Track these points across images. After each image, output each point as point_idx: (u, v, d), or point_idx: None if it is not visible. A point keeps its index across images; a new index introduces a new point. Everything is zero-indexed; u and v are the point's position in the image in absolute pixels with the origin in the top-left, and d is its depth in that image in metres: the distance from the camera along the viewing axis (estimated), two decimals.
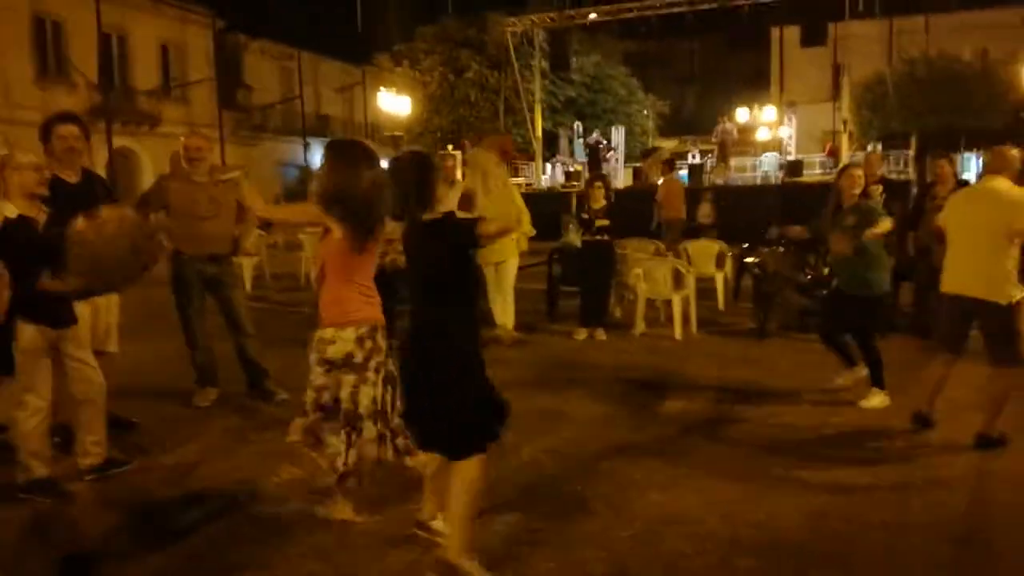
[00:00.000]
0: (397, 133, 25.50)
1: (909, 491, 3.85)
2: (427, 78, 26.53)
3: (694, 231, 12.85)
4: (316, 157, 34.41)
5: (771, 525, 3.49)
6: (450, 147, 22.35)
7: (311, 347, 3.42)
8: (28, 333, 3.73)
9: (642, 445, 4.58)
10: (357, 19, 38.32)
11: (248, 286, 11.26)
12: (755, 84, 38.70)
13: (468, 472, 2.92)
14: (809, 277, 7.66)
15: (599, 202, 7.42)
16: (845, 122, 20.93)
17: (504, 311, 7.44)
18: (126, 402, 5.33)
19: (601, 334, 7.49)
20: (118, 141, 24.39)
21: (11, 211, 3.67)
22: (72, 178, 4.45)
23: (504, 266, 7.41)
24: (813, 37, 19.38)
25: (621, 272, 8.06)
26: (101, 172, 24.46)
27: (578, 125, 25.34)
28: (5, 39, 22.42)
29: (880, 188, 7.78)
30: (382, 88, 25.48)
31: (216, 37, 29.86)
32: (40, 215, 3.76)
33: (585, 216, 7.46)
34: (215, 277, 5.38)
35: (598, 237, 7.41)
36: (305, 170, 32.50)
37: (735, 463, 4.30)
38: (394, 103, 25.07)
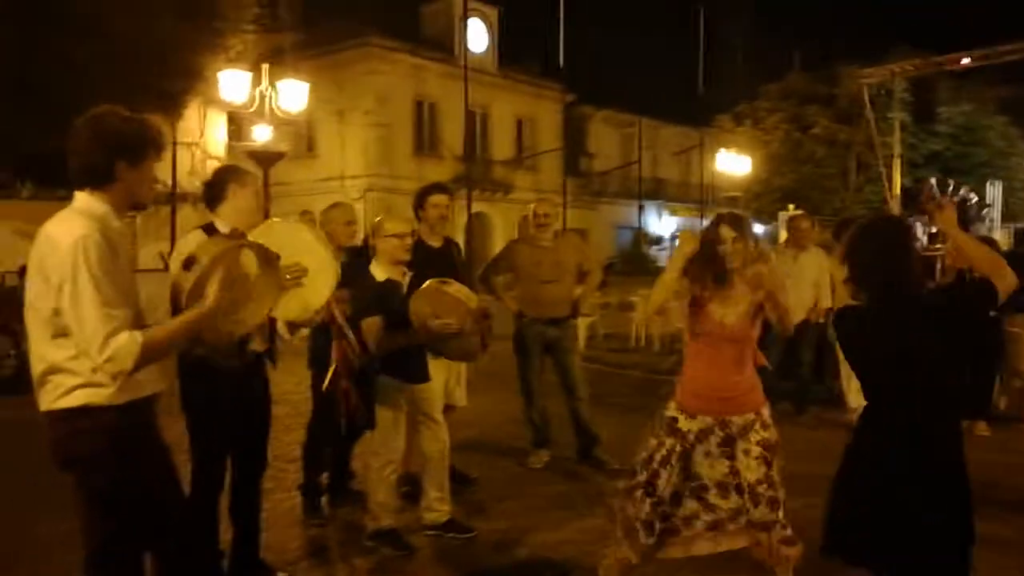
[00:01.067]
0: (734, 193, 24.87)
1: None
2: (769, 136, 25.62)
3: None
4: (650, 219, 35.14)
5: None
6: (792, 207, 21.21)
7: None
8: (388, 388, 3.97)
9: None
10: (698, 83, 38.62)
11: (582, 346, 11.49)
12: None
13: None
14: None
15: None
16: None
17: (860, 392, 6.56)
18: (466, 456, 5.57)
19: (983, 428, 6.28)
20: (476, 207, 26.93)
21: (380, 274, 3.98)
22: (435, 243, 4.77)
23: None
24: None
25: (1010, 355, 6.74)
26: (460, 234, 27.26)
27: (933, 181, 22.67)
28: (394, 119, 26.09)
29: None
30: (722, 149, 25.11)
31: (564, 110, 31.92)
32: (404, 278, 4.02)
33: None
34: (554, 339, 5.43)
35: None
36: (639, 232, 33.14)
37: None
38: (733, 163, 24.54)
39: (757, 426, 3.23)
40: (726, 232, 3.21)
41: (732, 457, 3.21)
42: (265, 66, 12.36)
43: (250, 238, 2.74)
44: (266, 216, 4.47)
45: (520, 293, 5.45)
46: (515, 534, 4.22)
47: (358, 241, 4.90)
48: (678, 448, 3.24)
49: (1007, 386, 7.01)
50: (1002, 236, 19.64)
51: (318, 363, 4.44)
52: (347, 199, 19.95)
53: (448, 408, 4.76)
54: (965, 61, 20.05)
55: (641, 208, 34.33)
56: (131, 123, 2.31)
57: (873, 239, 2.59)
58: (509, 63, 29.46)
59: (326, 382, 3.87)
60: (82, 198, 2.27)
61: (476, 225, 27.45)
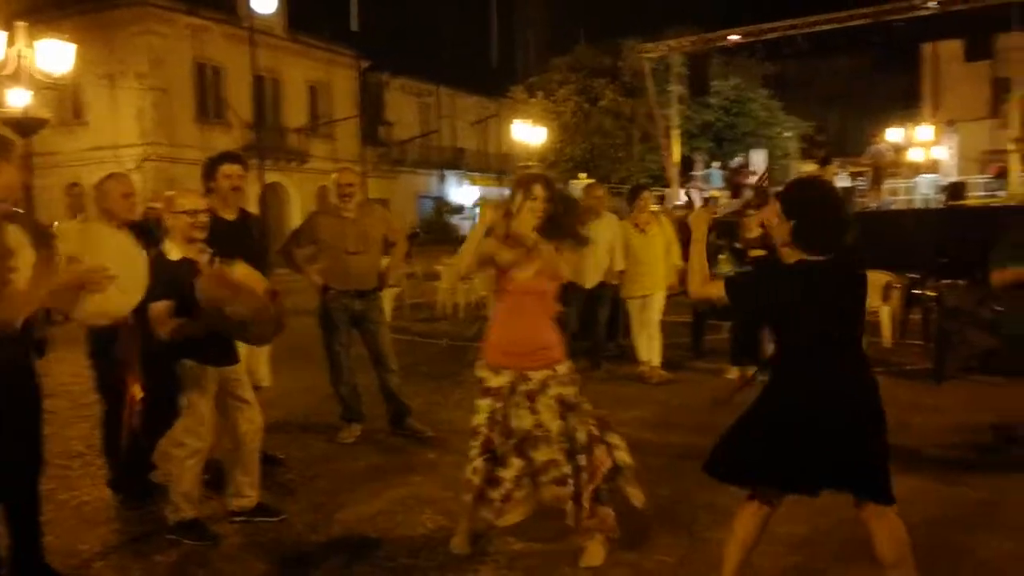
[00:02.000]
0: (531, 163, 25.59)
1: None
2: (561, 108, 26.56)
3: None
4: (450, 189, 35.41)
5: None
6: (583, 175, 22.20)
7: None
8: (194, 373, 3.73)
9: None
10: (492, 54, 39.17)
11: (388, 317, 11.41)
12: (904, 103, 36.49)
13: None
14: (995, 313, 6.84)
15: (753, 231, 6.94)
16: (1016, 140, 19.16)
17: (650, 347, 7.07)
18: (273, 437, 5.37)
19: (756, 373, 6.95)
20: (269, 177, 25.78)
21: (174, 253, 3.70)
22: (229, 215, 4.50)
23: (651, 299, 7.07)
24: (979, 51, 17.90)
25: None
26: (254, 206, 26.01)
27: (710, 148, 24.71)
28: (172, 84, 24.22)
29: None
30: (516, 120, 25.70)
31: (360, 77, 31.20)
32: (202, 256, 3.77)
33: (738, 246, 6.99)
34: (362, 312, 5.34)
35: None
36: (440, 201, 33.30)
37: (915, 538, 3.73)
38: (528, 134, 25.22)
39: (553, 382, 3.37)
40: (539, 191, 3.37)
41: (536, 411, 3.36)
42: (20, 24, 11.02)
43: (63, 239, 2.55)
44: (25, 190, 4.04)
45: (324, 266, 5.29)
46: (327, 512, 4.14)
47: (137, 216, 4.52)
48: (498, 406, 3.38)
49: None
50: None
51: (100, 355, 4.10)
52: (122, 169, 18.37)
53: (254, 388, 4.55)
54: (733, 38, 21.85)
55: (442, 177, 34.48)
56: None
57: (819, 201, 2.71)
58: (299, 26, 28.26)
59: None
60: None
61: (271, 196, 26.31)
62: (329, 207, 5.44)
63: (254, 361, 4.68)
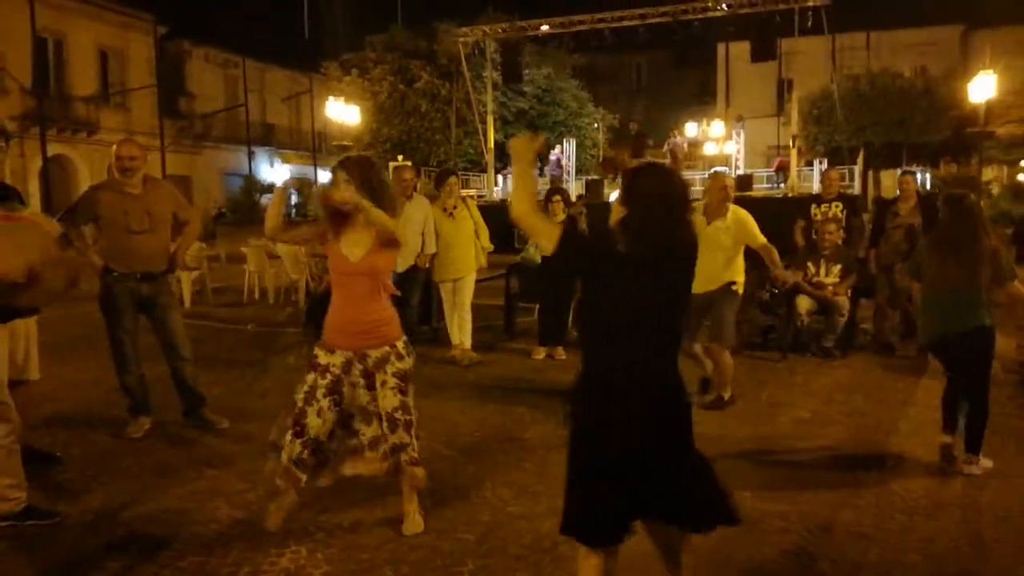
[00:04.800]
0: (346, 143, 24.99)
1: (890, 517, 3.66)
2: (377, 88, 26.07)
3: None
4: (261, 167, 33.82)
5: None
6: (400, 158, 21.98)
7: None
8: None
9: None
10: (304, 27, 37.76)
11: (188, 302, 10.75)
12: (700, 98, 39.24)
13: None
14: (771, 295, 7.53)
15: (559, 216, 7.17)
16: (794, 137, 21.12)
17: (461, 329, 7.13)
18: (49, 433, 4.92)
19: (561, 353, 7.23)
20: (53, 149, 23.43)
21: None
22: None
23: (462, 283, 7.12)
24: (763, 52, 19.52)
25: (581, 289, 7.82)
26: (34, 180, 23.52)
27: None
28: None
29: (840, 205, 7.71)
30: (331, 97, 24.96)
31: (158, 43, 29.00)
32: None
33: None
34: (149, 297, 4.96)
35: None
36: (249, 179, 31.73)
37: None
38: (343, 113, 24.58)
39: (392, 358, 3.44)
40: (340, 176, 3.41)
41: (372, 387, 3.43)
42: None
43: None
44: None
45: (105, 246, 4.84)
46: (111, 511, 3.83)
47: None
48: (320, 382, 3.40)
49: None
50: (577, 186, 22.64)
51: None
52: None
53: (18, 383, 4.11)
54: (544, 28, 22.44)
55: (251, 154, 32.85)
56: None
57: (657, 189, 2.50)
58: None
59: None
60: None
61: (56, 170, 23.95)
62: (111, 182, 4.98)
63: (24, 353, 4.21)
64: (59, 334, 4.49)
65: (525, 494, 4.03)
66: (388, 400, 3.41)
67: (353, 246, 3.42)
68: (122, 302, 4.87)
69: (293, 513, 3.61)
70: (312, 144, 35.61)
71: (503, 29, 22.95)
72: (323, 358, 3.43)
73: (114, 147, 4.95)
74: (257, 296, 11.65)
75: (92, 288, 4.86)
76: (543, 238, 2.63)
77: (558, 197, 7.44)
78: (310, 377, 3.43)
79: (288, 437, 3.42)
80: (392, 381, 3.42)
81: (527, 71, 25.56)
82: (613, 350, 2.48)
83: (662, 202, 2.47)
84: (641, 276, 2.45)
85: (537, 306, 7.69)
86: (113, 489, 4.14)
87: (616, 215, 2.51)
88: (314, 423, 3.39)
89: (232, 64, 32.84)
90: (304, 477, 3.44)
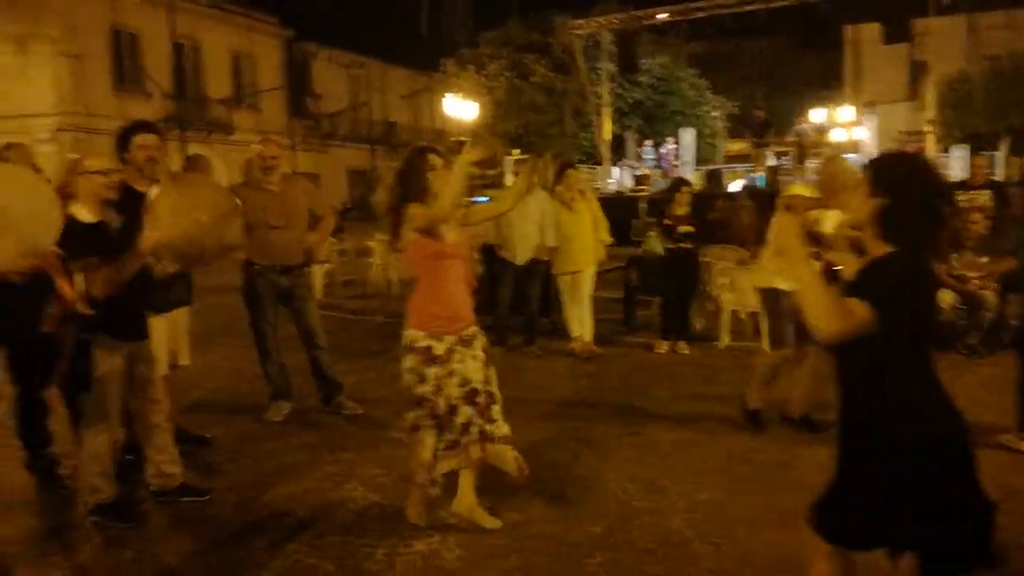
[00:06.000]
0: (463, 138, 25.38)
1: None
2: (493, 83, 26.37)
3: None
4: (383, 164, 34.84)
5: None
6: (516, 151, 22.16)
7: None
8: (104, 348, 3.60)
9: (742, 477, 4.21)
10: (422, 26, 38.55)
11: (319, 293, 11.21)
12: (826, 84, 37.52)
13: None
14: None
15: (683, 208, 7.04)
16: (931, 122, 19.91)
17: (582, 323, 7.13)
18: (198, 417, 5.24)
19: (684, 347, 7.11)
20: (192, 149, 24.93)
21: (85, 215, 3.55)
22: (143, 187, 4.31)
23: (581, 275, 7.12)
24: (896, 34, 18.50)
25: (704, 281, 7.67)
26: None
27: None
28: (87, 50, 23.11)
29: (988, 193, 7.22)
30: (448, 94, 25.42)
31: (286, 47, 30.35)
32: (113, 220, 3.63)
33: (667, 222, 7.09)
34: (288, 288, 5.23)
35: (681, 245, 7.02)
36: (372, 176, 32.77)
37: None
38: (460, 108, 24.99)
39: (478, 335, 3.55)
40: (435, 159, 3.51)
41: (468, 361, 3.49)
42: None
43: None
44: None
45: (248, 241, 5.13)
46: (255, 491, 4.07)
47: None
48: (442, 373, 3.43)
49: (702, 309, 7.97)
50: (696, 177, 22.19)
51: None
52: (34, 140, 17.45)
53: (172, 367, 4.43)
54: (661, 16, 22.08)
55: (374, 152, 33.93)
56: None
57: (924, 181, 2.14)
58: None
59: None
60: None
61: (195, 167, 25.43)
62: (252, 180, 5.27)
63: (174, 339, 4.52)
64: (204, 323, 4.79)
65: (652, 489, 4.00)
66: (479, 373, 3.46)
67: (452, 228, 3.52)
68: (264, 294, 5.16)
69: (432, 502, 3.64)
70: (431, 140, 36.38)
71: (619, 19, 22.73)
72: (437, 348, 3.43)
73: (255, 147, 5.24)
74: (383, 288, 12.03)
75: (231, 280, 5.15)
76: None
77: (687, 188, 7.29)
78: (432, 372, 3.42)
79: (421, 432, 3.47)
80: (481, 355, 3.51)
81: (643, 61, 25.24)
82: (924, 370, 2.17)
83: (935, 191, 2.14)
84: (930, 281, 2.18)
85: (658, 299, 7.59)
86: (256, 470, 4.39)
87: (859, 209, 2.14)
88: (443, 410, 3.43)
89: (356, 64, 33.97)
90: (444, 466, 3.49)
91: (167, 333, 4.32)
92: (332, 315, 9.63)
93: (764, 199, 9.75)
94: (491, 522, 3.54)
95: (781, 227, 2.17)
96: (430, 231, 3.43)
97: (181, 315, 4.52)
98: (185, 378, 4.98)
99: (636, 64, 23.63)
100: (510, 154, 21.02)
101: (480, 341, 3.53)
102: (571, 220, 7.06)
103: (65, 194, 3.56)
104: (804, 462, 4.22)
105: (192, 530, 3.64)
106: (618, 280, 8.69)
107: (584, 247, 7.11)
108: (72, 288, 3.46)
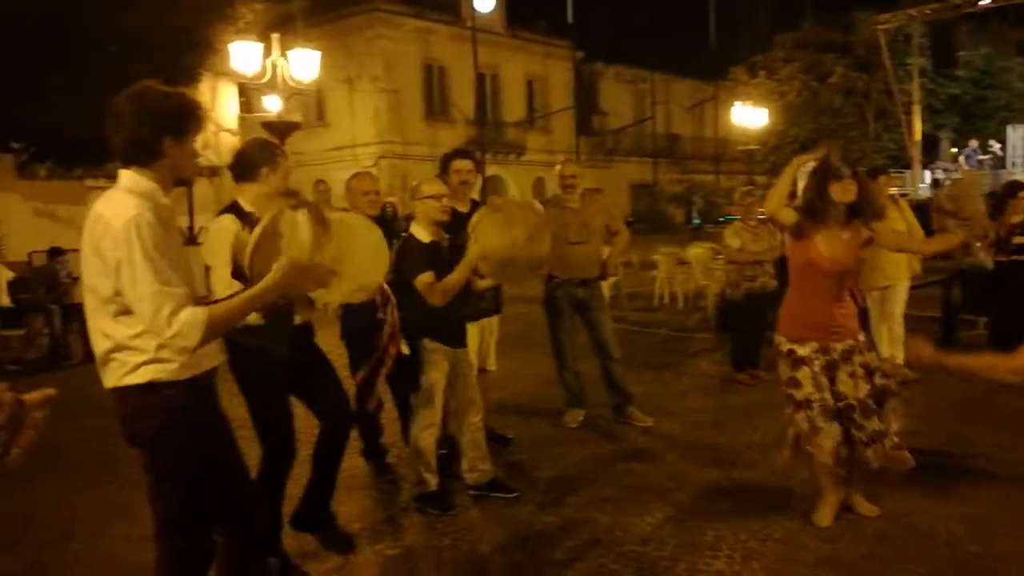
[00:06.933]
0: (751, 146, 24.60)
1: None
2: (786, 87, 25.22)
3: None
4: (665, 177, 34.78)
5: None
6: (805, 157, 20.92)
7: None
8: (433, 352, 4.02)
9: None
10: (710, 35, 37.90)
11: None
12: None
13: None
14: None
15: (1019, 215, 6.20)
16: None
17: (892, 343, 6.54)
18: (502, 417, 5.61)
19: None
20: (490, 170, 26.79)
21: (423, 235, 3.99)
22: (463, 208, 4.74)
23: (892, 291, 6.53)
24: None
25: None
26: (476, 198, 27.09)
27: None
28: (403, 85, 25.86)
29: None
30: (736, 102, 24.77)
31: (575, 67, 31.54)
32: (443, 240, 4.05)
33: (999, 232, 6.29)
34: (584, 300, 5.44)
35: (1015, 257, 6.19)
36: (655, 189, 32.89)
37: None
38: (749, 116, 24.23)
39: (856, 351, 3.59)
40: (845, 170, 3.58)
41: (833, 382, 3.56)
42: (275, 36, 12.26)
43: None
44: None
45: (549, 255, 5.43)
46: (557, 494, 4.26)
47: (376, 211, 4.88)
48: (816, 370, 3.55)
49: None
50: None
51: (352, 335, 4.47)
52: (360, 167, 19.84)
53: (481, 371, 4.79)
54: (983, 2, 19.60)
55: (656, 165, 34.03)
56: (173, 98, 2.29)
57: None
58: (517, 22, 29.06)
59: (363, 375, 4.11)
60: (128, 176, 2.25)
61: (491, 188, 27.33)
62: (554, 198, 5.57)
63: (485, 346, 4.90)
64: (506, 331, 5.14)
65: (984, 532, 3.56)
66: (860, 391, 3.51)
67: (834, 243, 3.56)
68: (562, 305, 5.42)
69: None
70: (714, 151, 35.67)
71: (932, 9, 20.57)
72: (799, 351, 3.59)
73: (558, 167, 5.54)
74: (667, 301, 12.00)
75: (530, 291, 5.46)
76: None
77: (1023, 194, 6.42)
78: (803, 373, 3.56)
79: (817, 425, 3.52)
80: (860, 371, 3.53)
81: (961, 52, 22.60)
82: None
83: None
84: None
85: (986, 319, 6.75)
86: (557, 473, 4.59)
87: None
88: (832, 404, 3.52)
89: (640, 79, 34.37)
90: (844, 453, 3.54)
91: (477, 339, 4.70)
92: (617, 327, 9.65)
93: None
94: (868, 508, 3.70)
95: None
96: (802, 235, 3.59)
97: (491, 323, 4.90)
98: (490, 381, 5.36)
99: (954, 57, 21.18)
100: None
101: (860, 358, 3.56)
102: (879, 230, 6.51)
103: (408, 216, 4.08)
104: None
105: (502, 525, 3.90)
106: (936, 297, 7.87)
107: (895, 259, 6.52)
108: (394, 311, 4.00)
